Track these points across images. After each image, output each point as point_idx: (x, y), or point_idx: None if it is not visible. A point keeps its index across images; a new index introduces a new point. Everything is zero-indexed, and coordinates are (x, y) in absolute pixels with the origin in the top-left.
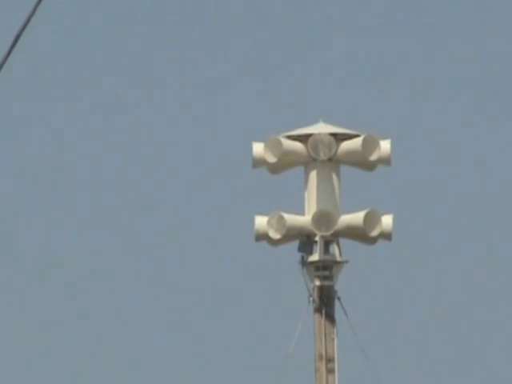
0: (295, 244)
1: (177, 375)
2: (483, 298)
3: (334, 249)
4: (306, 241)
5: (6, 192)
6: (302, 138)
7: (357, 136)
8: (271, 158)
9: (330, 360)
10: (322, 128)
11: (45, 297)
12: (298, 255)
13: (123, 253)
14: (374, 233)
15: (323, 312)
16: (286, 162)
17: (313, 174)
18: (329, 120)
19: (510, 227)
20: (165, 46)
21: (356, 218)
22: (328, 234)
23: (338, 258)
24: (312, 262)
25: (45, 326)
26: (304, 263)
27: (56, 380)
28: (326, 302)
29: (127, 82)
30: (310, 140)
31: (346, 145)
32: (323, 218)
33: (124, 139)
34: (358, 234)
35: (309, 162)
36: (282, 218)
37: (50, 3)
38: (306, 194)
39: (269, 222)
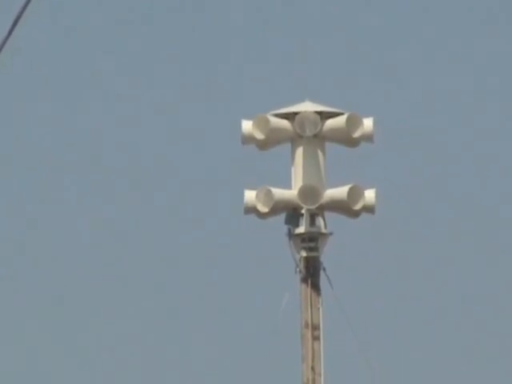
0: (282, 217)
1: (164, 346)
2: (466, 269)
3: (320, 221)
4: (292, 214)
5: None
6: (289, 116)
7: (341, 114)
8: (259, 135)
9: (315, 328)
10: (307, 106)
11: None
12: (285, 227)
13: (113, 231)
14: (358, 206)
15: (309, 282)
16: (273, 138)
17: (299, 151)
18: (314, 99)
19: (490, 197)
20: (151, 26)
21: (340, 192)
22: (313, 207)
23: (323, 230)
24: (298, 234)
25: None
26: (291, 235)
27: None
28: (311, 273)
29: (113, 62)
30: (297, 118)
31: (330, 122)
32: (309, 192)
33: (112, 121)
34: (342, 207)
35: (295, 139)
36: (269, 192)
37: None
38: (293, 170)
39: (257, 196)
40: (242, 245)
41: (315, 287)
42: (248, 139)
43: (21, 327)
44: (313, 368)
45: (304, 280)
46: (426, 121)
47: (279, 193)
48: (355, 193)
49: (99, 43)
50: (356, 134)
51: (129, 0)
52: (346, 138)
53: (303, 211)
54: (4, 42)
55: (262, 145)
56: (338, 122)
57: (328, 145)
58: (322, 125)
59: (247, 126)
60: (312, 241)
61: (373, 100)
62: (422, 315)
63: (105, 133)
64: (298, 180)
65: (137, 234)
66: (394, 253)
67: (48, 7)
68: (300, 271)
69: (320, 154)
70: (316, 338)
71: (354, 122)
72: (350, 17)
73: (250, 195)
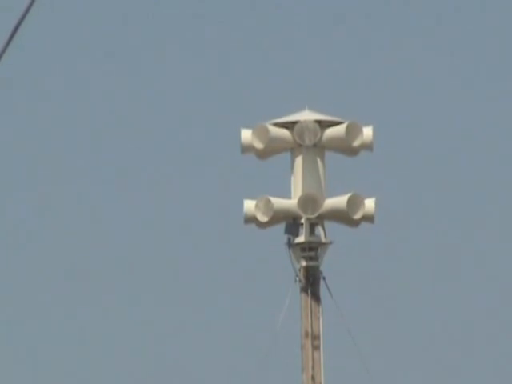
0: (282, 226)
1: (165, 353)
2: (466, 278)
3: (319, 231)
4: (292, 223)
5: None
6: (289, 125)
7: (341, 123)
8: (259, 144)
9: (315, 337)
10: (307, 115)
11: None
12: (285, 237)
13: (113, 238)
14: (357, 215)
15: (309, 291)
16: (272, 147)
17: (298, 160)
18: (314, 108)
19: (490, 205)
20: (153, 34)
21: (340, 201)
22: (313, 216)
23: (323, 240)
24: (298, 244)
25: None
26: (290, 245)
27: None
28: (311, 282)
29: (116, 72)
30: (296, 127)
31: (330, 131)
32: (309, 201)
33: (112, 125)
34: (342, 216)
35: (295, 148)
36: (269, 201)
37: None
38: (292, 179)
39: (257, 206)
40: (241, 254)
41: (315, 296)
42: (247, 148)
43: (21, 326)
44: (313, 377)
45: (304, 289)
46: (426, 129)
47: (279, 202)
48: (355, 202)
49: (99, 43)
50: (356, 143)
51: (129, 1)
52: (345, 147)
53: (303, 220)
54: (7, 44)
55: (262, 154)
56: (338, 130)
57: (328, 154)
58: (322, 134)
59: (246, 135)
60: (312, 250)
61: (372, 109)
62: (422, 324)
63: (105, 135)
64: (297, 189)
65: (136, 244)
66: (394, 262)
67: (49, 7)
68: (300, 280)
69: (319, 163)
70: (316, 348)
71: (353, 130)
72: (349, 26)
73: (249, 205)
